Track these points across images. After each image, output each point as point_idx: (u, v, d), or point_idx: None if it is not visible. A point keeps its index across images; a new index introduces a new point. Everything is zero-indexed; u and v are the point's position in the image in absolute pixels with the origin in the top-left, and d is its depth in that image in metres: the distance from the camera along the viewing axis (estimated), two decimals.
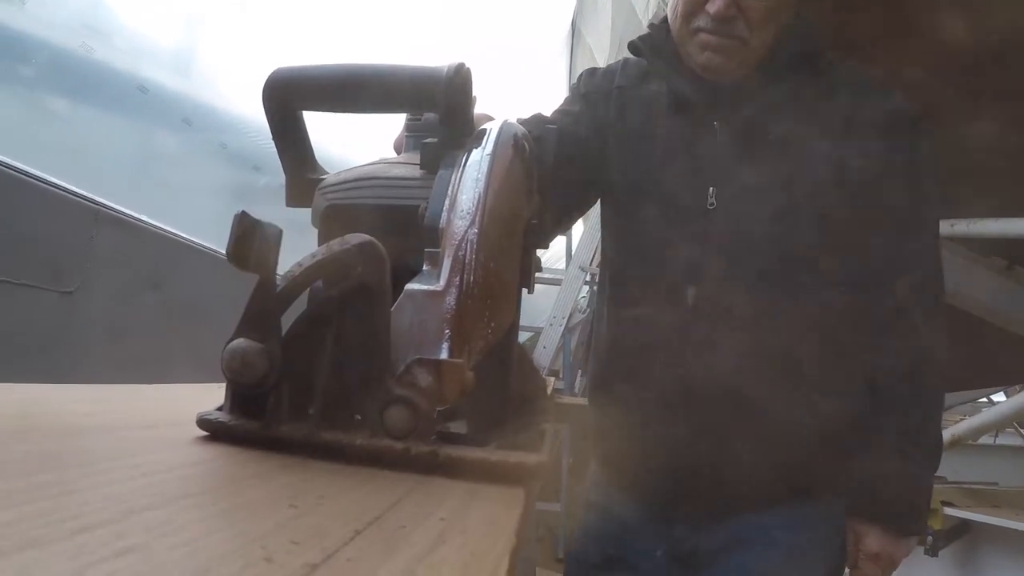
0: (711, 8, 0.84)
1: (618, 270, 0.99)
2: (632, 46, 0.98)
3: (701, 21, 0.86)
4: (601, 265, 1.04)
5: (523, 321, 0.70)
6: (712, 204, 0.87)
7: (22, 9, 1.75)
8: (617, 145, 0.96)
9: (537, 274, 0.66)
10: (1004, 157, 1.93)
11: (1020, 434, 5.08)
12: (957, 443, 2.38)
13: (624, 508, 0.96)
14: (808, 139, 0.88)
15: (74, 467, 0.33)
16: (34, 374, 1.37)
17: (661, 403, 0.89)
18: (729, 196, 0.87)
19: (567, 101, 1.02)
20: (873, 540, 0.88)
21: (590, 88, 1.00)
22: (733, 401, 0.86)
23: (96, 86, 2.07)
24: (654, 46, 0.95)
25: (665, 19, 0.95)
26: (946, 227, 2.06)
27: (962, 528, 2.47)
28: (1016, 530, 2.25)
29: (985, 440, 4.00)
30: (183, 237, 2.00)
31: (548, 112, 0.98)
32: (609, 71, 1.02)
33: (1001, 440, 4.46)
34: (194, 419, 0.44)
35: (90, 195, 1.65)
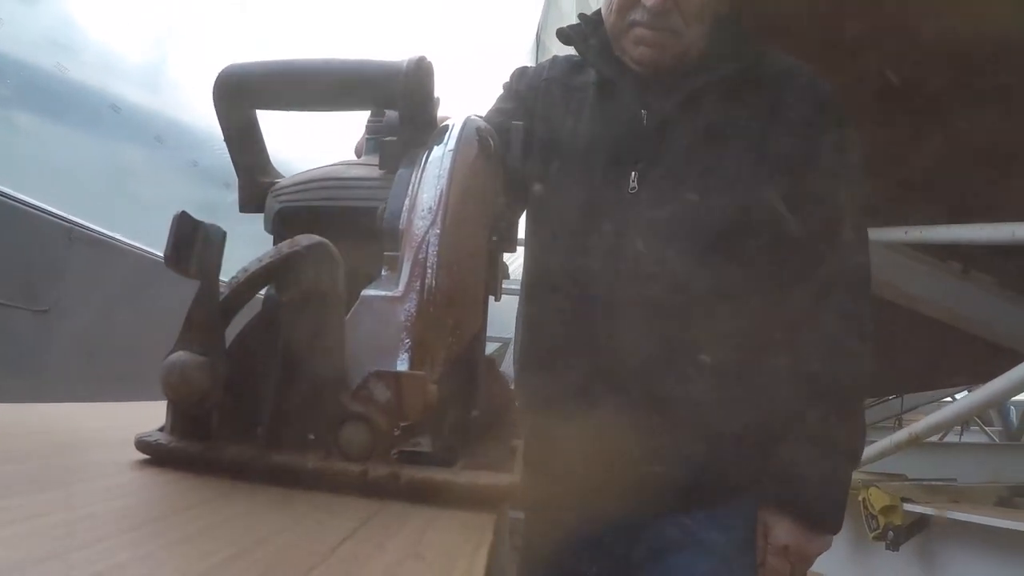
0: (648, 1, 0.84)
1: (538, 257, 0.96)
2: (561, 34, 0.97)
3: (637, 15, 0.86)
4: (524, 257, 1.00)
5: (493, 331, 0.67)
6: (634, 188, 0.87)
7: None
8: (544, 132, 0.95)
9: (505, 282, 0.63)
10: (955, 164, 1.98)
11: (985, 432, 5.23)
12: (916, 441, 2.42)
13: (551, 531, 0.90)
14: (734, 126, 0.87)
15: (115, 475, 0.38)
16: (10, 393, 1.32)
17: (581, 398, 0.84)
18: (651, 180, 0.86)
19: (501, 99, 1.02)
20: (783, 531, 0.82)
21: (522, 84, 1.00)
22: (654, 394, 0.83)
23: (70, 106, 2.06)
24: (584, 35, 0.95)
25: (596, 12, 0.95)
26: (900, 233, 2.10)
27: (922, 523, 2.53)
28: (973, 523, 2.31)
29: (951, 438, 4.11)
30: (156, 254, 1.97)
31: (483, 112, 0.97)
32: (539, 67, 1.02)
33: (966, 438, 4.58)
34: None
35: (63, 213, 1.62)
